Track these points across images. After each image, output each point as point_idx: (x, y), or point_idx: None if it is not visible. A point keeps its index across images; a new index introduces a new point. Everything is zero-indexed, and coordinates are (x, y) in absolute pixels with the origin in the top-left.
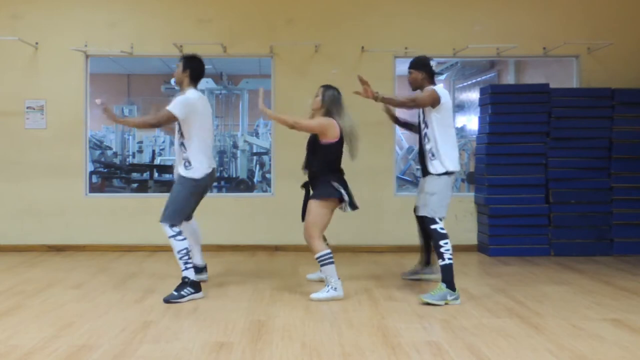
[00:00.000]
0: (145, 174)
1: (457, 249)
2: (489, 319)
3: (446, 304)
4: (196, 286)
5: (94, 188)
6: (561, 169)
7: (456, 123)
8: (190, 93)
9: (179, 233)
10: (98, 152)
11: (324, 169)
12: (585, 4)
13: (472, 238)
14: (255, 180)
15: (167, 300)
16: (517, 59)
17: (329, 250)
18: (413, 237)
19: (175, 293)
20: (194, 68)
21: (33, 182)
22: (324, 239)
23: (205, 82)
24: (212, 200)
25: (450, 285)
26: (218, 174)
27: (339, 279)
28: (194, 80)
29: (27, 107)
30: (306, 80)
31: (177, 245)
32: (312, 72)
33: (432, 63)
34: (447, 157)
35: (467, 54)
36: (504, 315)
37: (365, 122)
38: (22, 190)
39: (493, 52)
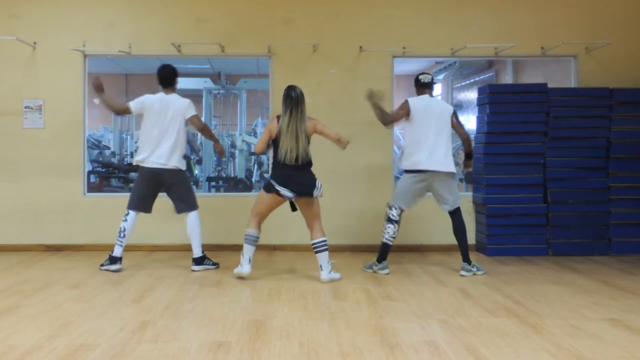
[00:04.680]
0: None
1: (455, 248)
2: (487, 318)
3: (374, 272)
4: (113, 260)
5: (92, 187)
6: (559, 168)
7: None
8: (154, 94)
9: (125, 215)
10: (96, 151)
11: (272, 163)
12: (583, 4)
13: (470, 238)
14: (253, 179)
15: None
16: (515, 59)
17: (254, 233)
18: (411, 236)
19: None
20: (158, 76)
21: (31, 182)
22: (258, 225)
23: (203, 82)
24: (210, 200)
25: (379, 258)
26: (215, 174)
27: (249, 262)
28: (161, 84)
29: (25, 107)
30: (304, 80)
31: (120, 224)
32: (310, 72)
33: (421, 77)
34: (408, 157)
35: (465, 54)
36: (502, 315)
37: (364, 121)
38: (20, 189)
39: (491, 51)
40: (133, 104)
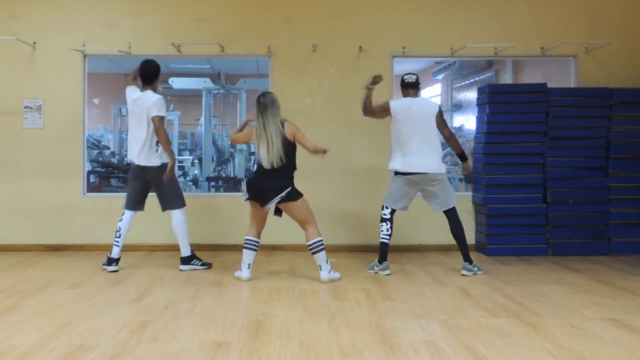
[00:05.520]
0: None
1: (455, 248)
2: (487, 318)
3: (376, 273)
4: (110, 261)
5: (91, 187)
6: (559, 168)
7: (454, 123)
8: (133, 89)
9: (122, 214)
10: (96, 151)
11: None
12: (583, 4)
13: (470, 238)
14: None
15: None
16: (515, 59)
17: (253, 238)
18: (411, 236)
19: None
20: (139, 71)
21: (31, 182)
22: (257, 231)
23: (203, 82)
24: (210, 199)
25: (379, 259)
26: (215, 174)
27: (248, 268)
28: (141, 81)
29: (25, 107)
30: (304, 80)
31: (117, 224)
32: (309, 72)
33: (405, 77)
34: (396, 159)
35: (465, 54)
36: (502, 315)
37: (364, 121)
38: (19, 189)
39: (491, 51)
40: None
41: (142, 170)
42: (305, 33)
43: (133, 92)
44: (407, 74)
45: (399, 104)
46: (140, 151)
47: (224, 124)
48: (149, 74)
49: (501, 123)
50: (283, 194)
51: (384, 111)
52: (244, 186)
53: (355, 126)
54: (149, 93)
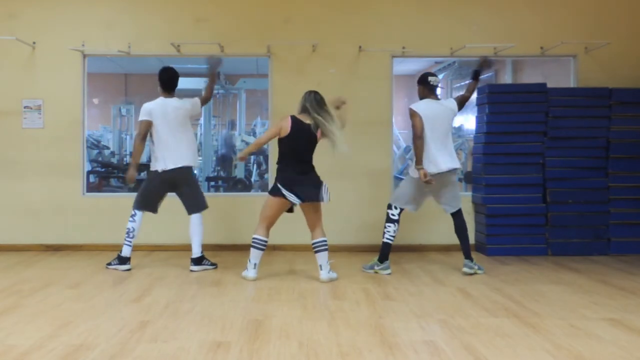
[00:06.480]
0: (142, 174)
1: (455, 248)
2: (486, 318)
3: (375, 272)
4: (122, 260)
5: (91, 187)
6: (559, 168)
7: (454, 123)
8: (154, 101)
9: (132, 215)
10: (95, 151)
11: (278, 164)
12: (582, 4)
13: (470, 238)
14: (252, 179)
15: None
16: (515, 59)
17: (262, 238)
18: (411, 236)
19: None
20: (160, 79)
21: (30, 182)
22: (266, 229)
23: (202, 82)
24: (209, 199)
25: (380, 258)
26: (214, 174)
27: (255, 267)
28: (162, 89)
29: (25, 107)
30: (304, 79)
31: (127, 224)
32: (309, 72)
33: (431, 79)
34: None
35: (465, 54)
36: (502, 315)
37: (364, 121)
38: (19, 189)
39: (491, 51)
40: (140, 116)
41: (180, 172)
42: (304, 33)
43: (153, 103)
44: (431, 76)
45: (423, 108)
46: (193, 152)
47: (224, 124)
48: (173, 80)
49: (501, 123)
50: (324, 187)
51: (422, 122)
52: (286, 192)
53: (355, 126)
54: (179, 100)
